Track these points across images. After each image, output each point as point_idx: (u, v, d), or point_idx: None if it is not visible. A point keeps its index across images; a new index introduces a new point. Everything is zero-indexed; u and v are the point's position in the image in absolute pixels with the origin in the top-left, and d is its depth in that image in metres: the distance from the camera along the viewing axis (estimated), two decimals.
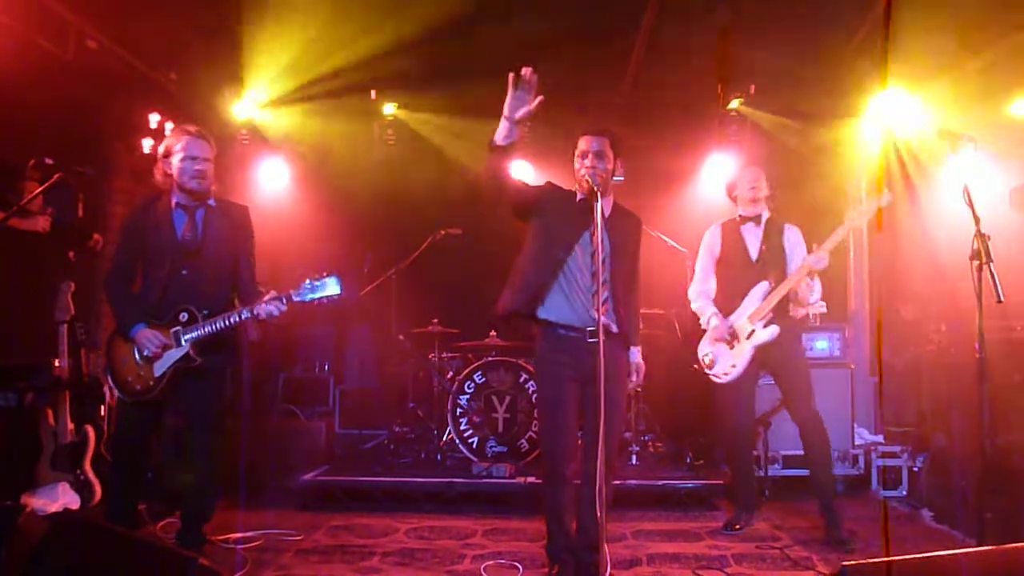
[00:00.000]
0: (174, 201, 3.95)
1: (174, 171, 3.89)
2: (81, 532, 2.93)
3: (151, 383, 3.82)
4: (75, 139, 4.02)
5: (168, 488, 4.54)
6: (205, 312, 3.83)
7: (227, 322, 3.81)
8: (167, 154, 3.91)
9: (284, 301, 3.81)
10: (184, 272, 3.89)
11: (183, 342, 3.82)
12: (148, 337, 3.79)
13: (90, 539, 2.89)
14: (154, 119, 6.64)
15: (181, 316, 3.83)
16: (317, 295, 3.85)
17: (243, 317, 3.80)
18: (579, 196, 3.85)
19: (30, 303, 4.11)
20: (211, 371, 3.94)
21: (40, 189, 4.00)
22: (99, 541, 2.88)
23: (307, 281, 3.85)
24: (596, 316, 3.42)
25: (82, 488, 4.65)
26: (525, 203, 3.79)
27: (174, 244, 3.91)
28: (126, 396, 3.89)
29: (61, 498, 4.54)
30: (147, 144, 6.57)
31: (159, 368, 3.82)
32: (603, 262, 3.62)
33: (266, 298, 3.82)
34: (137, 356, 3.84)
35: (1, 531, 2.82)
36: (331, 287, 3.85)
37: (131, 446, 4.01)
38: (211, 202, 4.03)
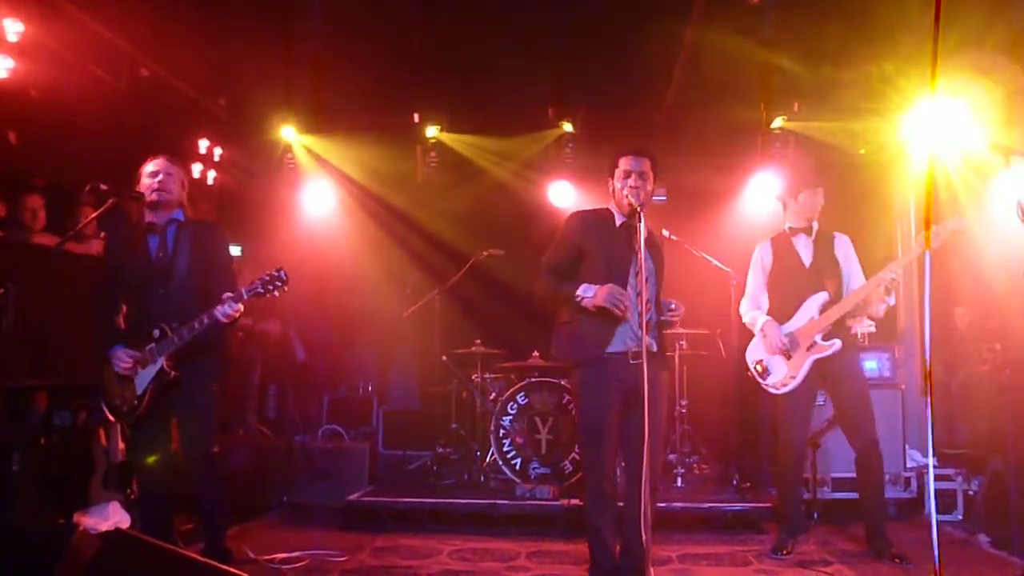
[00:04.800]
0: (146, 222, 4.12)
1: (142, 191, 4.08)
2: (132, 550, 2.98)
3: (135, 402, 3.98)
4: (128, 165, 4.15)
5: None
6: (175, 326, 3.95)
7: (192, 331, 3.91)
8: (136, 182, 4.09)
9: (236, 299, 3.89)
10: (161, 291, 4.04)
11: (157, 358, 3.94)
12: (120, 356, 3.97)
13: (141, 557, 2.94)
14: (203, 144, 6.81)
15: (155, 333, 3.96)
16: (266, 289, 3.90)
17: (205, 323, 3.90)
18: (619, 220, 3.86)
19: (85, 325, 4.25)
20: (191, 382, 4.05)
21: (95, 214, 4.12)
22: (150, 559, 2.93)
23: (258, 279, 3.92)
24: (641, 336, 3.43)
25: (132, 507, 4.73)
26: (572, 267, 3.87)
27: (149, 265, 4.07)
28: (116, 417, 4.09)
29: (112, 516, 4.61)
30: (196, 169, 6.73)
31: (139, 386, 3.98)
32: (646, 282, 3.62)
33: (222, 302, 3.89)
34: (118, 377, 4.01)
35: (55, 549, 2.88)
36: (277, 280, 3.91)
37: (142, 466, 4.17)
38: (180, 217, 4.18)
